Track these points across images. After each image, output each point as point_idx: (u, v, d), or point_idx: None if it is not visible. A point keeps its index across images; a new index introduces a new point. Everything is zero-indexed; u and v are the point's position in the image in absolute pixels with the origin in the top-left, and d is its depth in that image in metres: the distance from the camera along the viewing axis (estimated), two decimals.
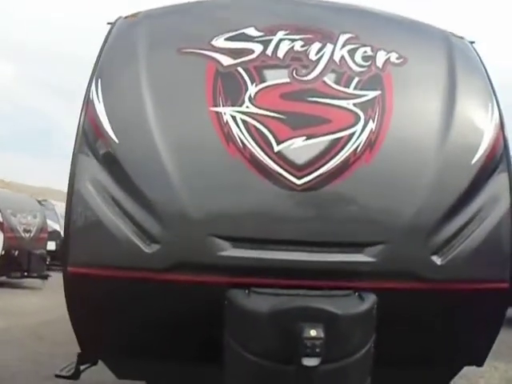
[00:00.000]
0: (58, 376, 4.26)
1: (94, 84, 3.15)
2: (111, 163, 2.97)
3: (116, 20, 3.58)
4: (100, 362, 3.72)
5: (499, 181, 3.10)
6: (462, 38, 3.66)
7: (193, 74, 3.14)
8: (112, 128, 2.99)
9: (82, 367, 3.76)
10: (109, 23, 3.60)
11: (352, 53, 3.21)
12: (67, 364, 4.61)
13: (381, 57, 3.23)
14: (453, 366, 3.34)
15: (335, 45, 3.23)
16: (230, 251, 2.83)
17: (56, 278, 14.69)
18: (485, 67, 3.45)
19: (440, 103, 3.16)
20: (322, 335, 2.38)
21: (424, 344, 3.04)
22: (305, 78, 3.10)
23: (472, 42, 3.69)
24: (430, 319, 3.00)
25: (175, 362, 3.06)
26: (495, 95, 3.31)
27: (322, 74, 3.12)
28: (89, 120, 3.08)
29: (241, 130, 2.94)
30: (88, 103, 3.12)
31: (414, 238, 2.90)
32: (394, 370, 3.08)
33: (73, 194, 2.98)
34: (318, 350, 2.35)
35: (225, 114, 2.98)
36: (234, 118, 2.97)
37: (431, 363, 3.17)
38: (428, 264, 2.90)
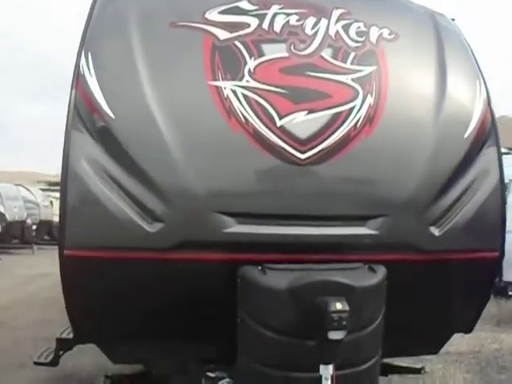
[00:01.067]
0: (36, 363, 4.07)
1: (83, 57, 2.92)
2: (107, 139, 2.78)
3: None
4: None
5: (489, 154, 3.17)
6: (442, 15, 3.68)
7: (189, 47, 2.98)
8: (107, 102, 2.79)
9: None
10: None
11: (346, 28, 3.15)
12: (44, 349, 4.41)
13: (374, 32, 3.20)
14: (444, 334, 3.41)
15: (329, 20, 3.15)
16: (237, 227, 2.73)
17: (6, 261, 14.16)
18: (468, 44, 3.49)
19: (432, 78, 3.17)
20: (347, 308, 2.34)
21: (419, 313, 3.08)
22: (303, 53, 3.02)
23: (452, 20, 3.72)
24: (426, 289, 3.04)
25: (175, 343, 2.95)
26: (481, 71, 3.36)
27: (319, 48, 3.05)
28: (81, 95, 2.86)
29: (242, 105, 2.83)
30: (78, 77, 2.89)
31: (414, 210, 2.92)
32: (388, 340, 3.11)
33: (67, 173, 2.77)
34: (344, 323, 2.32)
35: (225, 88, 2.86)
36: (234, 92, 2.85)
37: (424, 332, 3.23)
38: (427, 235, 2.93)
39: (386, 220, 2.88)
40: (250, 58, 2.94)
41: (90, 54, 2.92)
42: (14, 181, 21.38)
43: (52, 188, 21.41)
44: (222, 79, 2.88)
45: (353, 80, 3.01)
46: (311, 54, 3.02)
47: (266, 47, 2.99)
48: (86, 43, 2.98)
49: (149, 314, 2.84)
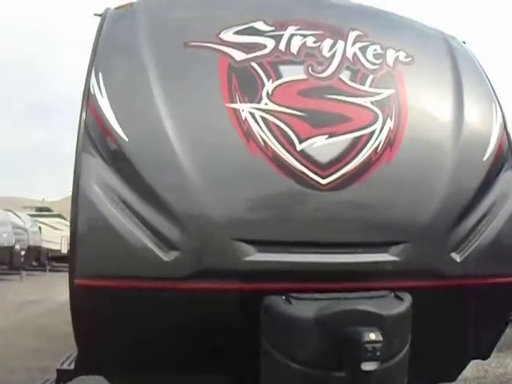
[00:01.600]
0: None
1: (93, 77, 2.78)
2: (120, 163, 2.63)
3: (105, 11, 3.22)
4: None
5: (507, 177, 3.08)
6: (454, 38, 3.63)
7: (204, 68, 2.86)
8: (119, 124, 2.65)
9: None
10: (96, 14, 3.24)
11: (363, 50, 3.07)
12: (43, 381, 4.16)
13: (390, 55, 3.12)
14: (462, 361, 3.27)
15: (346, 42, 3.07)
16: (256, 256, 2.58)
17: None
18: (482, 67, 3.43)
19: (449, 102, 3.09)
20: (380, 338, 2.19)
21: (437, 339, 2.94)
22: (321, 75, 2.92)
23: (464, 42, 3.67)
24: (445, 315, 2.91)
25: (189, 376, 2.75)
26: (495, 94, 3.29)
27: (337, 70, 2.95)
28: (92, 116, 2.71)
29: (261, 128, 2.71)
30: (89, 97, 2.75)
31: (436, 236, 2.80)
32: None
33: (78, 198, 2.61)
34: (378, 353, 2.17)
35: (243, 110, 2.73)
36: (252, 115, 2.73)
37: (442, 358, 3.08)
38: (448, 261, 2.81)
39: (407, 246, 2.75)
40: (268, 79, 2.83)
41: (100, 74, 2.78)
42: (1, 206, 20.90)
43: (40, 214, 21.02)
44: (240, 101, 2.75)
45: (372, 103, 2.91)
46: (329, 77, 2.92)
47: (283, 69, 2.88)
48: (96, 62, 2.84)
49: (162, 345, 2.65)
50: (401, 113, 2.94)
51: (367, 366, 2.17)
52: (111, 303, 2.57)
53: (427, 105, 3.06)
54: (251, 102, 2.76)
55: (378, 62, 3.07)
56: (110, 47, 2.93)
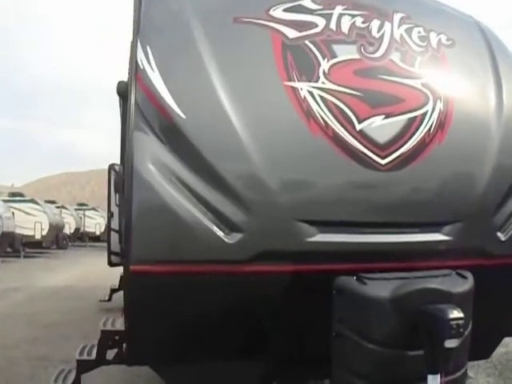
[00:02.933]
0: None
1: (140, 51, 2.54)
2: (177, 141, 2.43)
3: None
4: None
5: None
6: (481, 22, 3.58)
7: (257, 45, 2.68)
8: (175, 101, 2.44)
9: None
10: None
11: (409, 32, 2.96)
12: (59, 370, 3.91)
13: (433, 38, 3.02)
14: (496, 338, 3.26)
15: (392, 23, 2.95)
16: (320, 236, 2.45)
17: None
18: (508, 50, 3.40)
19: (490, 84, 3.04)
20: (462, 315, 2.11)
21: (480, 317, 2.91)
22: (373, 56, 2.79)
23: None
24: (487, 294, 2.87)
25: (249, 363, 2.60)
26: None
27: (387, 51, 2.83)
28: (143, 91, 2.48)
29: (320, 107, 2.56)
30: (137, 72, 2.51)
31: (484, 215, 2.77)
32: None
33: (133, 178, 2.38)
34: (461, 330, 2.09)
35: (301, 89, 2.58)
36: (311, 93, 2.58)
37: (479, 336, 3.06)
38: (495, 240, 2.79)
39: (459, 226, 2.71)
40: (323, 58, 2.68)
41: (148, 48, 2.55)
42: None
43: (12, 199, 20.08)
44: (297, 80, 2.59)
45: (422, 85, 2.82)
46: (381, 57, 2.80)
47: (337, 48, 2.74)
48: (141, 36, 2.60)
49: (222, 332, 2.49)
50: (448, 95, 2.86)
51: (450, 343, 2.09)
52: (169, 290, 2.38)
53: (471, 87, 2.99)
54: (309, 80, 2.61)
55: (424, 44, 2.97)
56: (156, 20, 2.69)
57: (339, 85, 2.63)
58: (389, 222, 2.58)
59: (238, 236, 2.38)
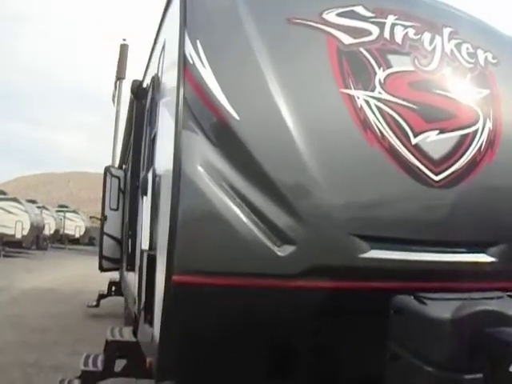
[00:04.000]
0: None
1: (189, 45, 2.34)
2: (229, 144, 2.23)
3: None
4: None
5: None
6: None
7: (313, 48, 2.52)
8: (228, 100, 2.24)
9: None
10: None
11: (458, 48, 2.85)
12: (59, 381, 3.62)
13: (480, 55, 2.92)
14: None
15: (442, 37, 2.83)
16: (374, 253, 2.28)
17: None
18: None
19: None
20: None
21: None
22: (426, 69, 2.66)
23: None
24: None
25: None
26: None
27: (440, 65, 2.71)
28: (192, 88, 2.28)
29: (377, 118, 2.41)
30: (186, 67, 2.31)
31: None
32: None
33: (180, 181, 2.17)
34: None
35: (358, 98, 2.42)
36: (367, 103, 2.43)
37: None
38: None
39: (506, 247, 2.57)
40: (379, 68, 2.53)
41: (198, 43, 2.35)
42: None
43: None
44: (354, 88, 2.44)
45: (473, 102, 2.70)
46: (434, 71, 2.68)
47: (391, 58, 2.60)
48: (190, 29, 2.40)
49: (263, 350, 2.27)
50: (497, 113, 2.75)
51: None
52: (212, 303, 2.17)
53: None
54: (365, 89, 2.46)
55: (472, 60, 2.86)
56: (206, 14, 2.49)
57: (395, 96, 2.49)
58: (442, 241, 2.43)
59: (289, 249, 2.18)
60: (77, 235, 26.67)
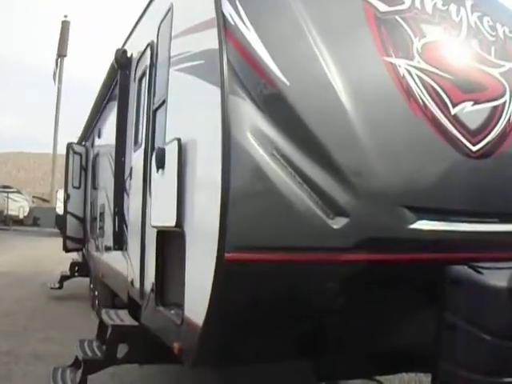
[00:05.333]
0: None
1: (227, 3, 2.12)
2: (280, 110, 2.07)
3: None
4: None
5: None
6: None
7: (351, 14, 2.38)
8: (276, 64, 2.06)
9: None
10: None
11: (480, 20, 2.82)
12: (52, 370, 3.33)
13: (499, 28, 2.90)
14: None
15: (466, 9, 2.77)
16: (424, 224, 2.22)
17: None
18: None
19: None
20: None
21: None
22: (456, 40, 2.62)
23: None
24: None
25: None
26: None
27: (467, 38, 2.67)
28: (236, 51, 2.08)
29: (419, 87, 2.33)
30: (227, 29, 2.09)
31: None
32: None
33: (230, 150, 1.97)
34: None
35: (399, 66, 2.31)
36: (409, 72, 2.33)
37: None
38: None
39: None
40: (415, 37, 2.43)
41: (239, 4, 2.13)
42: None
43: None
44: (395, 56, 2.32)
45: (500, 74, 2.67)
46: (463, 42, 2.64)
47: (425, 28, 2.52)
48: None
49: (308, 325, 2.16)
50: None
51: None
52: (265, 280, 2.02)
53: None
54: (405, 58, 2.35)
55: (494, 34, 2.84)
56: None
57: (432, 65, 2.42)
58: (487, 212, 2.43)
59: (343, 221, 2.06)
60: (21, 216, 25.15)
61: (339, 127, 2.11)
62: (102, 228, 5.69)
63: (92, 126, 7.19)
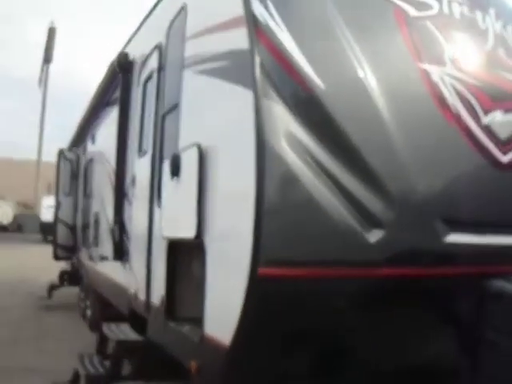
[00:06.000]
0: None
1: (258, 2, 1.98)
2: (314, 115, 1.95)
3: None
4: None
5: None
6: None
7: (383, 18, 2.26)
8: (311, 66, 1.93)
9: None
10: None
11: (505, 27, 2.73)
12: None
13: None
14: None
15: (490, 17, 2.69)
16: (460, 237, 2.09)
17: None
18: None
19: None
20: None
21: None
22: (485, 48, 2.51)
23: None
24: None
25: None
26: None
27: (495, 45, 2.58)
28: (269, 52, 1.94)
29: (451, 95, 2.22)
30: (258, 27, 1.95)
31: None
32: None
33: (265, 157, 1.83)
34: None
35: (433, 73, 2.20)
36: (442, 79, 2.23)
37: None
38: None
39: None
40: (446, 43, 2.33)
41: (269, 2, 2.00)
42: None
43: None
44: (428, 62, 2.22)
45: None
46: (492, 51, 2.53)
47: (455, 34, 2.42)
48: None
49: (351, 343, 2.01)
50: None
51: None
52: (299, 296, 1.87)
53: None
54: (438, 64, 2.24)
55: None
56: None
57: (464, 73, 2.31)
58: None
59: (379, 233, 1.93)
60: (5, 222, 24.57)
61: (376, 134, 1.99)
62: (96, 237, 5.47)
63: (84, 132, 6.95)
